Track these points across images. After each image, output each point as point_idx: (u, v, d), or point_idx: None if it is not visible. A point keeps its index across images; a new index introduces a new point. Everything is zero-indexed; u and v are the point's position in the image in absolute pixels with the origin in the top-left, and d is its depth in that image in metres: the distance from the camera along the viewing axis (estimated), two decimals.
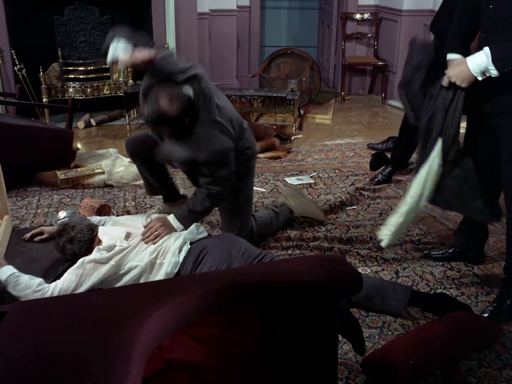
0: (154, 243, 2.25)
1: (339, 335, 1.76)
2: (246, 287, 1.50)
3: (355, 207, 3.39)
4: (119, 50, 2.30)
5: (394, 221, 2.28)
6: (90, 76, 5.00)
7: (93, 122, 4.98)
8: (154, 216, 2.43)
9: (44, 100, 4.83)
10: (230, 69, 5.89)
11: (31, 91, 4.85)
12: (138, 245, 2.23)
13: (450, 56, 2.19)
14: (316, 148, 4.48)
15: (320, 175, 3.90)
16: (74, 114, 4.23)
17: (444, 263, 2.74)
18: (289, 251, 2.84)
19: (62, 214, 2.96)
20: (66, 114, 4.08)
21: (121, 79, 5.09)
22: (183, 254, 2.20)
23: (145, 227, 2.33)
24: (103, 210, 3.06)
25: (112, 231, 2.30)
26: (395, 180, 3.77)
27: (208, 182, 2.48)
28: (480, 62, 2.02)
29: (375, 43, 6.00)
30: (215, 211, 3.01)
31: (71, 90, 4.95)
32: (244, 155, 2.65)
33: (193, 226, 2.34)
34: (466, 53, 2.14)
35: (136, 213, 3.22)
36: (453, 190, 2.19)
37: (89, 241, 2.26)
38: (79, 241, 2.24)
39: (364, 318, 2.32)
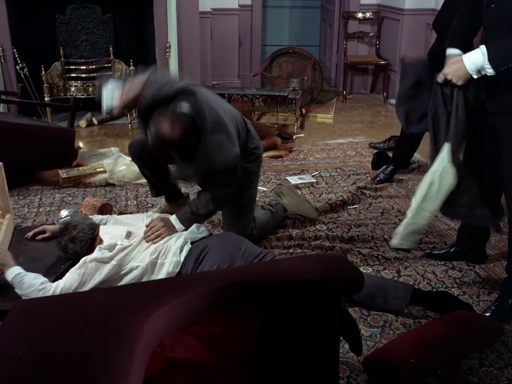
0: (155, 243, 2.25)
1: None
2: (247, 286, 1.50)
3: (357, 206, 3.39)
4: (111, 93, 2.32)
5: (404, 221, 2.32)
6: (92, 75, 4.99)
7: (95, 121, 4.98)
8: (156, 215, 2.44)
9: (46, 99, 4.84)
10: (232, 68, 5.89)
11: (33, 90, 4.85)
12: (139, 245, 2.24)
13: (450, 51, 2.19)
14: (317, 147, 4.48)
15: (321, 174, 3.89)
16: (76, 113, 4.23)
17: (445, 263, 2.73)
18: (291, 250, 2.84)
19: (64, 213, 2.95)
20: (68, 113, 4.08)
21: None
22: (184, 253, 2.20)
23: (147, 226, 2.33)
24: (105, 209, 3.06)
25: (113, 230, 2.30)
26: (397, 179, 3.77)
27: (213, 187, 2.49)
28: (476, 60, 2.01)
29: (377, 42, 5.98)
30: None
31: (73, 89, 4.96)
32: (253, 155, 2.68)
33: (194, 226, 2.34)
34: (466, 50, 2.13)
35: (138, 212, 3.23)
36: (457, 200, 2.20)
37: (91, 240, 2.26)
38: (80, 240, 2.24)
39: (365, 317, 2.32)
